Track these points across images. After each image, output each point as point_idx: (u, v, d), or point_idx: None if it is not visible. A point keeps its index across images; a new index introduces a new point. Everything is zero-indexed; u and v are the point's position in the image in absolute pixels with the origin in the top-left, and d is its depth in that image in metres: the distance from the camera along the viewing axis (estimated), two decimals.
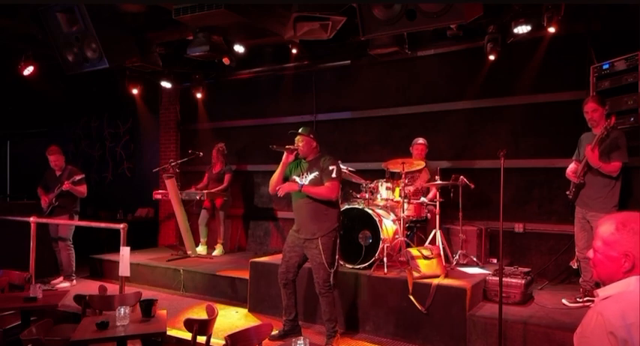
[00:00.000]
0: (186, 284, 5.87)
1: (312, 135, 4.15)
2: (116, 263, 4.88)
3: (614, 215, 1.64)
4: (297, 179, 4.11)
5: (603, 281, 1.62)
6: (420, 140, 5.59)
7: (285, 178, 4.18)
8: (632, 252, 1.52)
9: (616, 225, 1.57)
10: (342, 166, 5.36)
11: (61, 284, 5.90)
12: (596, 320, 1.46)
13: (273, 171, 7.36)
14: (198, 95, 7.51)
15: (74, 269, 6.08)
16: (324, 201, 4.01)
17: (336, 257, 4.06)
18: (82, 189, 5.95)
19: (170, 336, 4.08)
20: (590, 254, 1.67)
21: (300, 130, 4.19)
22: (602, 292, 1.58)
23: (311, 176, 4.07)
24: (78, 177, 5.85)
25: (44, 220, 5.50)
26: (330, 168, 4.02)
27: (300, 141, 4.13)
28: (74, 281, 6.05)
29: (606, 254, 1.58)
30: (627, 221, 1.56)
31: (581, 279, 4.26)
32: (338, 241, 4.07)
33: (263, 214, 7.34)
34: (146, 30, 5.64)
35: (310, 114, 6.98)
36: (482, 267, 4.96)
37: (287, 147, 4.11)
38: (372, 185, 5.16)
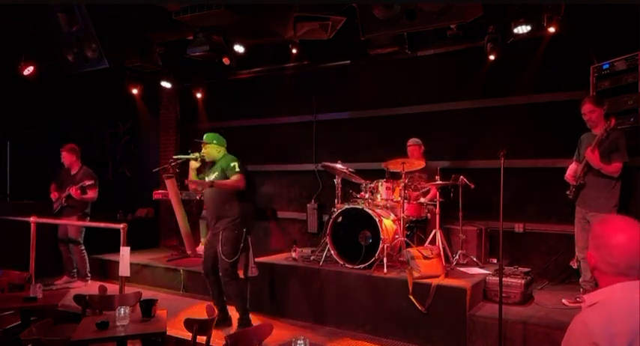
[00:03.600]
0: (186, 284, 5.87)
1: (215, 141, 4.52)
2: (116, 263, 4.88)
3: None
4: (206, 179, 4.49)
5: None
6: (410, 141, 5.60)
7: (200, 179, 4.59)
8: (592, 254, 1.60)
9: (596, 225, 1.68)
10: (341, 166, 5.39)
11: (76, 284, 5.97)
12: (580, 330, 1.48)
13: (273, 172, 7.39)
14: (198, 95, 7.51)
15: (89, 269, 6.13)
16: (226, 200, 4.40)
17: (239, 250, 4.40)
18: (91, 194, 5.92)
19: (170, 336, 4.07)
20: None
21: (204, 138, 4.53)
22: (588, 298, 1.60)
23: (213, 177, 4.45)
24: (88, 183, 5.83)
25: (44, 220, 5.50)
26: (232, 164, 4.40)
27: (205, 148, 4.51)
28: (89, 281, 6.10)
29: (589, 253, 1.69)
30: (602, 221, 1.65)
31: (581, 279, 4.26)
32: (243, 233, 4.45)
33: (263, 214, 7.34)
34: (146, 30, 5.64)
35: (310, 114, 6.99)
36: (482, 267, 4.96)
37: (190, 155, 4.52)
38: (372, 185, 5.16)
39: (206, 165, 4.64)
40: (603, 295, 1.55)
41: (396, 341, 4.26)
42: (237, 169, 4.40)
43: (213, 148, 4.52)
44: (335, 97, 6.81)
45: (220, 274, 4.44)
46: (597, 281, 1.62)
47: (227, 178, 4.39)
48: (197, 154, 4.51)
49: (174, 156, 4.75)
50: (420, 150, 5.58)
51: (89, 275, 6.13)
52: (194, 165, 4.53)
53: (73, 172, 6.04)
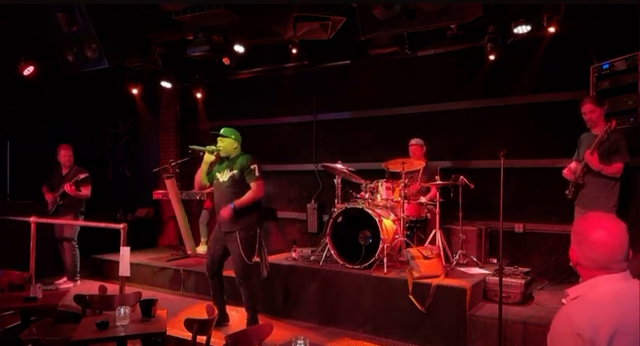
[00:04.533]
0: (186, 284, 5.87)
1: (233, 137, 4.38)
2: (116, 263, 4.88)
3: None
4: (218, 175, 4.34)
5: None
6: (412, 141, 5.60)
7: (211, 176, 4.43)
8: (574, 249, 1.63)
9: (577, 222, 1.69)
10: (341, 166, 5.38)
11: (65, 284, 5.91)
12: (564, 322, 1.50)
13: (273, 172, 7.36)
14: (198, 95, 7.51)
15: (78, 269, 6.09)
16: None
17: (256, 250, 4.32)
18: (85, 191, 5.92)
19: (170, 336, 4.08)
20: None
21: (221, 131, 4.38)
22: (571, 292, 1.63)
23: (230, 174, 4.29)
24: (82, 176, 5.82)
25: (44, 220, 5.50)
26: (252, 167, 4.26)
27: (221, 142, 4.35)
28: (78, 281, 6.05)
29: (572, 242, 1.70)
30: (582, 218, 1.66)
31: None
32: (259, 234, 4.35)
33: (263, 214, 7.33)
34: (146, 30, 5.64)
35: (310, 114, 6.99)
36: (482, 267, 4.96)
37: (207, 148, 4.35)
38: (372, 185, 5.16)
39: (217, 161, 4.46)
40: (585, 288, 1.58)
41: (396, 341, 4.26)
42: (257, 174, 4.25)
43: (230, 143, 4.36)
44: (335, 97, 6.81)
45: (236, 275, 4.33)
46: (580, 276, 1.65)
47: (243, 178, 4.24)
48: (214, 147, 4.34)
49: (191, 146, 4.51)
50: (422, 150, 5.58)
51: (78, 275, 6.09)
52: (209, 158, 4.35)
53: (64, 172, 6.02)
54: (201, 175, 4.41)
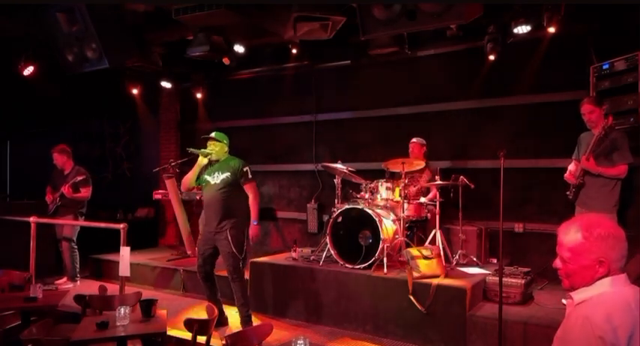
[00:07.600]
0: (186, 284, 5.87)
1: (225, 141, 4.48)
2: (116, 263, 4.88)
3: (574, 221, 1.62)
4: (209, 178, 4.41)
5: (576, 289, 1.63)
6: (413, 139, 5.60)
7: (201, 179, 4.50)
8: (606, 257, 1.53)
9: (582, 232, 1.56)
10: (341, 166, 5.38)
11: (65, 284, 5.90)
12: (583, 325, 1.46)
13: (273, 172, 7.38)
14: (198, 95, 7.51)
15: (78, 269, 6.07)
16: (234, 200, 4.35)
17: (245, 246, 4.39)
18: (84, 193, 5.90)
19: (170, 336, 4.07)
20: (558, 264, 1.65)
21: (213, 135, 4.45)
22: (576, 295, 1.59)
23: (222, 176, 4.36)
24: (80, 178, 5.80)
25: (44, 220, 5.50)
26: (245, 169, 4.39)
27: (213, 146, 4.42)
28: (78, 281, 6.03)
29: (579, 263, 1.58)
30: (591, 227, 1.55)
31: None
32: (246, 231, 4.40)
33: (263, 214, 7.30)
34: (146, 30, 5.64)
35: (310, 114, 6.99)
36: (482, 267, 4.96)
37: (202, 151, 4.41)
38: (372, 185, 5.16)
39: (208, 164, 4.51)
40: (592, 292, 1.55)
41: (396, 341, 4.26)
42: (250, 176, 4.39)
43: (222, 147, 4.44)
44: (335, 97, 6.81)
45: (228, 273, 4.35)
46: (582, 284, 1.59)
47: (237, 181, 4.33)
48: (208, 151, 4.41)
49: (189, 149, 4.53)
50: (421, 150, 5.58)
51: (78, 276, 6.07)
52: (203, 161, 4.41)
53: (66, 172, 6.00)
54: (192, 177, 4.47)
